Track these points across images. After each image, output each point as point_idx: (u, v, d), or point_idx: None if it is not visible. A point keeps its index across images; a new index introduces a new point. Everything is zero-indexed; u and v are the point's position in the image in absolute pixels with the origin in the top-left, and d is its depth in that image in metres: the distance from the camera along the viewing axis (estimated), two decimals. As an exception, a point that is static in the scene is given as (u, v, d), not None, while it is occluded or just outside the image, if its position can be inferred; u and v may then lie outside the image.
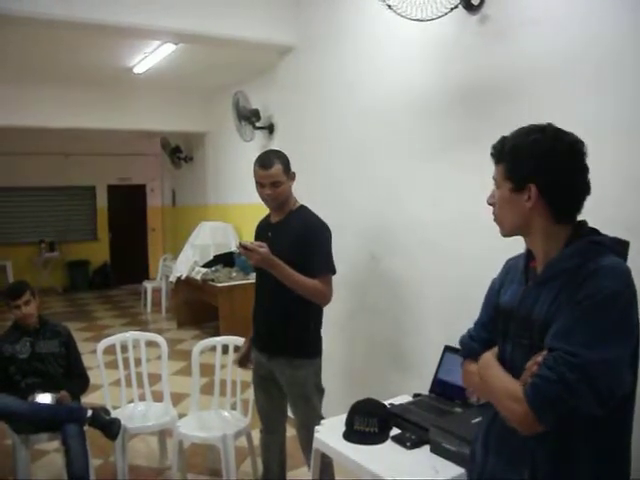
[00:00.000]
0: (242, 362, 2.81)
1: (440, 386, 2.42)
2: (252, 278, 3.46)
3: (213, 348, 3.25)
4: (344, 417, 2.17)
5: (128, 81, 6.63)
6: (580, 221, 1.35)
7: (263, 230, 2.67)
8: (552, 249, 1.33)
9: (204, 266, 6.53)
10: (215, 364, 3.24)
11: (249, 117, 6.04)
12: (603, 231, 1.35)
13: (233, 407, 3.24)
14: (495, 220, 1.42)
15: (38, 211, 9.94)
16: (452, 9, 2.39)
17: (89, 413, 2.91)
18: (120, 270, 10.33)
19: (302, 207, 2.61)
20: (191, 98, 7.52)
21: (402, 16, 2.42)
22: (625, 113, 1.98)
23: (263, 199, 2.55)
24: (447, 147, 2.71)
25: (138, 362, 3.35)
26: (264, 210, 2.69)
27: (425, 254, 2.85)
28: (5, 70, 5.99)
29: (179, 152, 8.94)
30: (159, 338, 3.40)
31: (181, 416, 3.23)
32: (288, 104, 4.11)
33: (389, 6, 2.40)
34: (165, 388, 3.37)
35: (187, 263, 6.72)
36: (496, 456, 1.39)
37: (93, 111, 6.76)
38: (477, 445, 1.48)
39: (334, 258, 2.52)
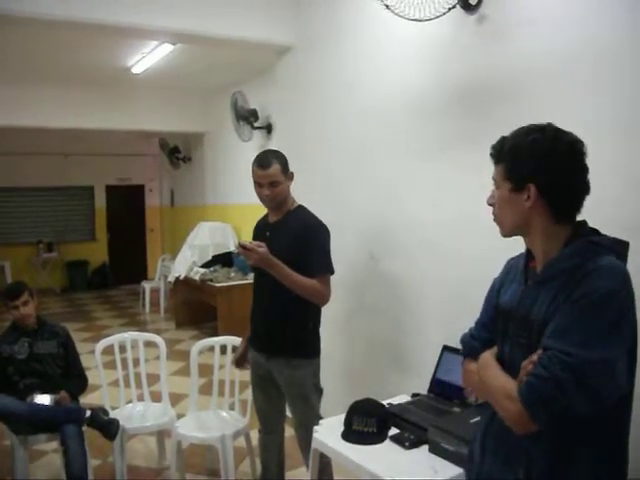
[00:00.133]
0: (239, 362, 2.81)
1: (439, 386, 2.42)
2: (250, 278, 3.47)
3: (211, 348, 3.25)
4: (343, 417, 2.17)
5: (127, 81, 6.63)
6: (580, 221, 1.35)
7: (261, 230, 2.66)
8: (551, 249, 1.33)
9: (202, 266, 6.53)
10: (214, 364, 3.24)
11: (247, 117, 6.04)
12: (602, 231, 1.35)
13: (231, 407, 3.24)
14: (495, 220, 1.42)
15: (37, 211, 9.92)
16: (450, 9, 2.40)
17: (88, 413, 2.91)
18: (119, 270, 10.31)
19: (300, 207, 2.61)
20: (190, 98, 7.51)
21: (400, 16, 2.42)
22: (623, 113, 1.98)
23: (261, 199, 2.55)
24: (446, 147, 2.71)
25: (136, 362, 3.34)
26: (262, 210, 2.69)
27: (425, 254, 2.85)
28: (5, 70, 5.98)
29: (177, 152, 8.95)
30: (157, 338, 3.39)
31: (179, 416, 3.23)
32: (287, 104, 4.11)
33: (387, 6, 2.40)
34: (163, 388, 3.37)
35: (185, 263, 6.72)
36: (493, 456, 1.39)
37: (92, 111, 6.76)
38: (475, 445, 1.48)
39: (333, 258, 2.52)
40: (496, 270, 1.56)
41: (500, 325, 1.43)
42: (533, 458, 1.29)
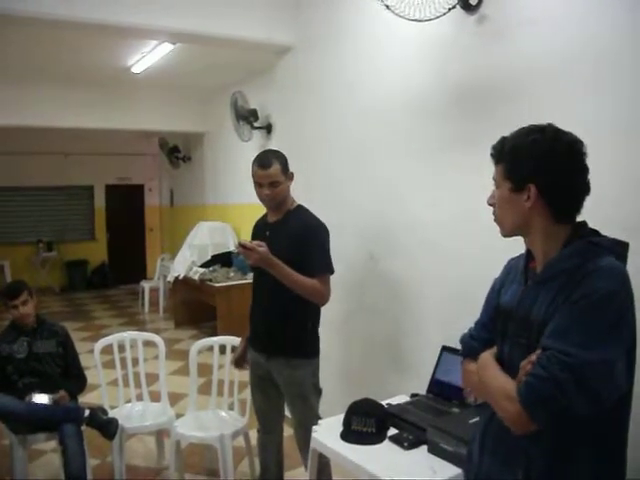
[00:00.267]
0: (238, 363, 2.81)
1: (438, 386, 2.42)
2: (250, 278, 3.46)
3: (211, 348, 3.25)
4: (342, 417, 2.17)
5: (127, 81, 6.63)
6: (580, 222, 1.35)
7: (260, 230, 2.66)
8: (551, 249, 1.33)
9: (202, 266, 6.53)
10: (213, 364, 3.24)
11: (247, 117, 6.05)
12: (602, 231, 1.35)
13: (231, 407, 3.24)
14: (495, 220, 1.42)
15: (36, 211, 9.92)
16: (450, 9, 2.39)
17: (86, 413, 2.91)
18: (118, 270, 10.31)
19: (300, 207, 2.61)
20: (189, 98, 7.52)
21: (400, 16, 2.42)
22: (623, 113, 1.98)
23: (261, 199, 2.55)
24: (446, 147, 2.71)
25: (135, 362, 3.34)
26: (262, 210, 2.69)
27: (425, 254, 2.85)
28: (6, 70, 5.98)
29: (177, 152, 8.95)
30: (157, 338, 3.39)
31: (178, 416, 3.23)
32: (287, 104, 4.11)
33: (387, 6, 2.40)
34: (162, 388, 3.37)
35: (185, 263, 6.72)
36: (492, 456, 1.39)
37: (92, 111, 6.76)
38: (474, 445, 1.48)
39: (333, 258, 2.52)
40: (496, 270, 1.56)
41: (500, 325, 1.43)
42: (532, 458, 1.28)
